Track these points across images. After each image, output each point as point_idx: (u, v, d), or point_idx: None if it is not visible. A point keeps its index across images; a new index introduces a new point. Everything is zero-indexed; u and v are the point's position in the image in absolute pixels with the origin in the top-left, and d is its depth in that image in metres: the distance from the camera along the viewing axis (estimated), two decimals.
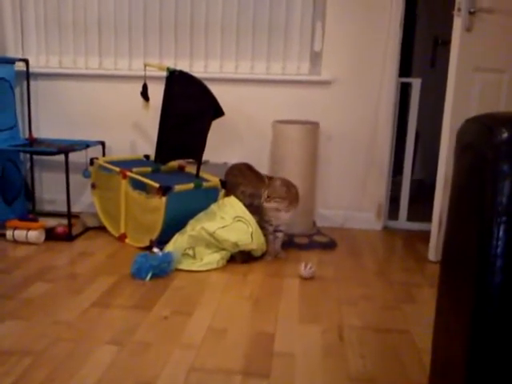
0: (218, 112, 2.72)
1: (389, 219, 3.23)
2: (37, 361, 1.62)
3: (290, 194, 2.50)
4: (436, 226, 2.64)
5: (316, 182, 3.06)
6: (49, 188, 3.37)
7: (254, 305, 2.08)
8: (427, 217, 2.85)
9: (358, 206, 3.16)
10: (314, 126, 2.92)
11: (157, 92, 2.91)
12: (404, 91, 3.19)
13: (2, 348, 1.69)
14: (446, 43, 3.28)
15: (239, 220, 2.51)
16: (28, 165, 3.32)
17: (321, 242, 2.80)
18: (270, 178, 2.52)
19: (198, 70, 3.16)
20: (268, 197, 2.45)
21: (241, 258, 2.52)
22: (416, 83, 3.13)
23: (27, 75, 3.22)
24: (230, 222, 2.50)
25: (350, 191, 3.15)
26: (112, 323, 1.88)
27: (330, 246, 2.78)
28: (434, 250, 2.65)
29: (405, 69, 3.41)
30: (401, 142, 3.21)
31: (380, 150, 3.09)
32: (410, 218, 3.21)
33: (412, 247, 2.88)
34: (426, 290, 2.29)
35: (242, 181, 2.78)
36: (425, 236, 2.84)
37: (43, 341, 1.74)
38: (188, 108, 2.75)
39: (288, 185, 2.52)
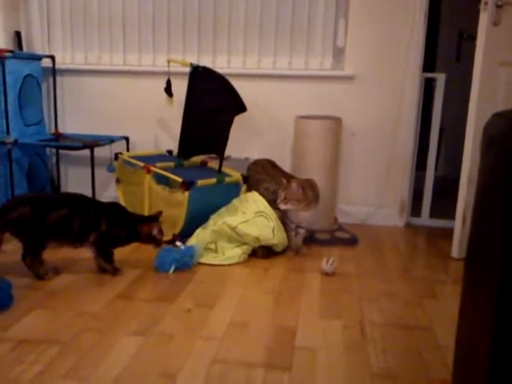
0: (240, 107, 2.73)
1: (411, 216, 3.21)
2: (63, 350, 1.66)
3: (307, 196, 2.49)
4: (459, 223, 2.61)
5: (338, 177, 3.05)
6: (73, 182, 3.44)
7: (276, 299, 2.09)
8: (450, 214, 2.82)
9: (380, 202, 3.14)
10: (337, 121, 2.91)
11: (180, 88, 2.94)
12: (427, 86, 3.15)
13: (30, 337, 1.73)
14: (472, 37, 3.22)
15: (261, 215, 2.52)
16: (54, 159, 3.38)
17: (342, 238, 2.80)
18: (289, 179, 2.51)
19: (220, 65, 3.18)
20: (285, 198, 2.46)
21: (262, 252, 2.53)
22: (440, 78, 3.10)
23: (53, 71, 3.29)
24: (251, 216, 2.51)
25: (373, 187, 3.14)
26: (136, 315, 1.92)
27: (351, 242, 2.78)
28: (457, 247, 2.62)
29: (429, 63, 3.36)
30: (424, 138, 3.18)
31: (403, 146, 3.07)
32: (432, 215, 3.18)
33: (435, 244, 2.86)
34: (448, 287, 2.27)
35: (265, 177, 2.78)
36: (448, 233, 2.81)
37: (69, 331, 1.78)
38: (211, 103, 2.78)
39: (306, 186, 2.50)
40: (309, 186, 2.54)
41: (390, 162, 3.09)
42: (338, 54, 3.11)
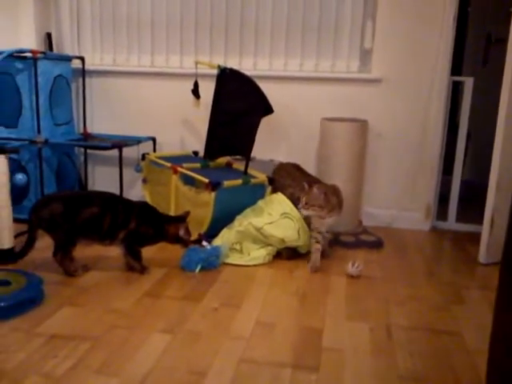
0: (267, 109, 2.74)
1: (437, 220, 3.18)
2: (94, 346, 1.69)
3: (329, 202, 2.41)
4: (487, 228, 2.58)
5: (364, 180, 3.04)
6: (101, 181, 3.49)
7: (301, 301, 2.09)
8: (477, 218, 2.79)
9: (405, 205, 3.12)
10: (363, 123, 2.90)
11: (207, 89, 2.96)
12: (453, 89, 3.12)
13: (62, 332, 1.77)
14: (501, 41, 3.19)
15: (286, 216, 2.53)
16: (82, 159, 3.44)
17: (367, 240, 2.79)
18: (311, 184, 2.41)
19: (247, 67, 3.20)
20: (306, 203, 2.38)
21: (287, 254, 2.54)
22: (468, 82, 3.07)
23: (83, 72, 3.35)
24: (277, 218, 2.52)
25: (398, 190, 3.12)
26: (164, 312, 1.94)
27: (376, 245, 2.77)
28: (484, 252, 2.59)
29: (455, 67, 3.34)
30: (450, 141, 3.15)
31: (430, 150, 3.04)
32: (459, 219, 3.15)
33: (461, 249, 2.83)
34: (476, 292, 2.24)
35: (290, 182, 2.73)
36: (474, 238, 2.78)
37: (100, 327, 1.81)
38: (238, 105, 2.80)
39: (328, 192, 2.42)
40: (332, 191, 2.47)
41: (417, 165, 3.07)
42: (365, 56, 3.11)
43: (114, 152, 3.01)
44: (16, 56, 2.89)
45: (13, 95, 2.94)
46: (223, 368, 1.60)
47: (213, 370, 1.58)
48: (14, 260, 2.19)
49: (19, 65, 2.93)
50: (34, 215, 2.15)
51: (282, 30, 3.18)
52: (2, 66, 2.71)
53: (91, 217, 2.15)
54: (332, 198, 2.44)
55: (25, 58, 2.93)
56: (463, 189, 3.17)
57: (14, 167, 2.75)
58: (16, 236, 2.36)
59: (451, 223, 3.16)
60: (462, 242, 2.92)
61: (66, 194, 2.39)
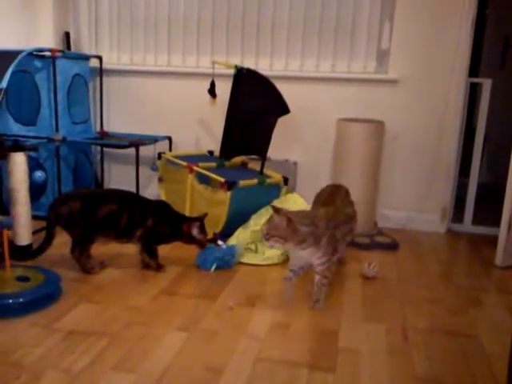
0: (283, 110, 2.74)
1: (453, 222, 3.16)
2: (112, 342, 1.71)
3: (296, 232, 1.89)
4: (504, 231, 2.55)
5: (379, 181, 3.03)
6: (116, 180, 3.51)
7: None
8: (493, 221, 2.77)
9: (421, 207, 3.10)
10: (380, 124, 2.89)
11: (223, 89, 2.97)
12: (470, 91, 3.09)
13: (79, 329, 1.79)
14: None
15: None
16: (98, 157, 3.47)
17: (383, 242, 2.77)
18: (277, 210, 1.94)
19: (263, 67, 3.20)
20: (266, 233, 1.92)
21: None
22: (486, 84, 3.04)
23: (100, 71, 3.37)
24: None
25: (414, 192, 3.10)
26: (180, 310, 1.95)
27: (392, 246, 2.75)
28: (501, 255, 2.57)
29: (472, 69, 3.31)
30: (466, 143, 3.13)
31: (447, 151, 3.02)
32: (475, 222, 3.12)
33: (477, 251, 2.80)
34: (493, 295, 2.23)
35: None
36: (491, 240, 2.75)
37: (117, 324, 1.83)
38: (254, 105, 2.80)
39: (296, 219, 1.91)
40: (314, 217, 1.98)
41: (433, 167, 3.05)
42: (382, 57, 3.09)
43: (130, 151, 3.03)
44: (35, 55, 2.92)
45: (32, 93, 2.97)
46: (239, 366, 1.60)
47: (229, 368, 1.59)
48: (32, 256, 2.21)
49: (38, 63, 2.97)
50: (52, 212, 2.17)
51: (299, 30, 3.17)
52: (22, 65, 2.74)
53: (109, 214, 2.17)
54: (302, 227, 1.90)
55: (43, 56, 2.97)
56: (479, 191, 3.15)
57: (33, 165, 2.77)
58: (34, 233, 2.39)
59: (467, 225, 3.13)
60: (478, 245, 2.90)
61: (84, 191, 2.42)
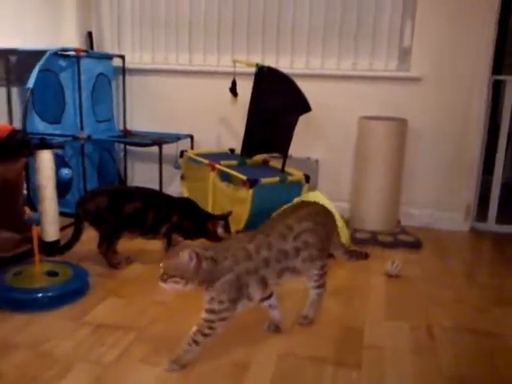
0: (305, 108, 2.74)
1: (476, 221, 3.13)
2: (139, 336, 1.74)
3: (197, 268, 1.48)
4: None
5: (402, 179, 3.01)
6: (139, 177, 3.55)
7: (340, 298, 2.10)
8: None
9: (444, 205, 3.08)
10: (402, 122, 2.88)
11: (244, 88, 2.99)
12: (494, 89, 3.06)
13: (108, 322, 1.82)
14: None
15: None
16: (121, 155, 3.51)
17: (406, 241, 2.76)
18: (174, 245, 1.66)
19: (284, 65, 3.20)
20: (164, 274, 1.50)
21: None
22: (510, 81, 3.01)
23: (123, 71, 3.41)
24: None
25: (437, 190, 3.08)
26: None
27: (415, 245, 2.74)
28: None
29: (495, 66, 3.26)
30: (490, 141, 3.10)
31: (470, 150, 3.00)
32: (499, 221, 3.09)
33: (501, 250, 2.78)
34: None
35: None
36: None
37: (143, 318, 1.86)
38: (276, 103, 2.81)
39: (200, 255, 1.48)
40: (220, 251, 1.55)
41: (456, 165, 3.03)
42: (404, 54, 3.08)
43: (153, 149, 3.07)
44: (60, 54, 2.97)
45: (56, 92, 3.02)
46: (265, 360, 1.62)
47: (255, 363, 1.60)
48: (60, 252, 2.25)
49: (63, 63, 3.02)
50: (80, 208, 2.22)
51: (320, 28, 3.17)
52: (47, 64, 2.78)
53: (135, 211, 2.20)
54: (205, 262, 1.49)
55: (68, 56, 3.01)
56: (504, 189, 3.11)
57: (59, 162, 2.82)
58: (61, 229, 2.43)
59: (491, 224, 3.10)
60: (502, 244, 2.87)
61: (111, 188, 2.46)
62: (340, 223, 2.51)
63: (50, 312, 1.88)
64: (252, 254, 1.56)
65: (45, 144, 2.35)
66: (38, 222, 2.10)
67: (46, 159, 2.32)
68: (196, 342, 1.54)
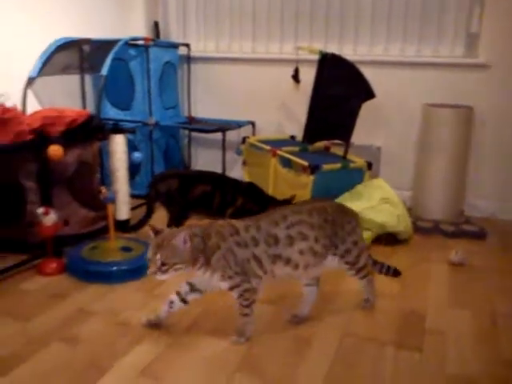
0: (368, 94, 2.74)
1: None
2: (206, 309, 1.84)
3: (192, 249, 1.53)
4: None
5: (467, 168, 2.95)
6: (202, 162, 3.65)
7: (401, 285, 2.10)
8: None
9: (510, 196, 2.99)
10: (468, 110, 2.82)
11: (306, 75, 3.01)
12: None
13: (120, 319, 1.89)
14: None
15: (386, 202, 2.54)
16: (185, 141, 3.63)
17: (470, 230, 2.71)
18: (155, 229, 1.59)
19: (347, 52, 3.19)
20: (163, 265, 1.51)
21: (386, 239, 2.55)
22: None
23: (188, 59, 3.52)
24: (376, 203, 2.54)
25: (503, 180, 2.99)
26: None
27: (479, 235, 2.68)
28: None
29: None
30: None
31: None
32: None
33: None
34: None
35: None
36: None
37: (209, 295, 1.94)
38: (339, 90, 2.82)
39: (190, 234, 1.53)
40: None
41: None
42: (471, 41, 2.99)
43: (216, 135, 3.16)
44: (130, 43, 3.10)
45: (127, 80, 3.17)
46: (328, 339, 1.67)
47: (318, 340, 1.66)
48: (134, 229, 2.39)
49: (133, 52, 3.15)
50: (152, 189, 2.34)
51: (384, 13, 3.13)
52: (119, 53, 2.92)
53: (203, 194, 2.30)
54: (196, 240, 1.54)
55: (137, 45, 3.14)
56: None
57: (129, 147, 2.97)
58: (132, 209, 2.57)
59: None
60: None
61: (181, 171, 2.58)
62: (401, 210, 2.52)
63: (124, 284, 2.01)
64: (240, 230, 1.60)
65: (118, 129, 2.49)
66: (114, 201, 2.24)
67: (119, 143, 2.46)
68: (245, 315, 1.63)
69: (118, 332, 1.70)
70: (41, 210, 2.05)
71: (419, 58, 3.09)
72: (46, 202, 2.17)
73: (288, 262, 1.63)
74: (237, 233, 1.60)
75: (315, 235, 1.66)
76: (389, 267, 1.92)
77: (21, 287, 2.01)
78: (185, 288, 1.68)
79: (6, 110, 2.14)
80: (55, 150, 2.07)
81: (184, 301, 1.69)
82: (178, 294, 1.69)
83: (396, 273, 1.94)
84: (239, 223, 1.63)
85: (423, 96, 3.04)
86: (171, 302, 1.69)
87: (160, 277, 1.53)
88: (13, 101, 2.32)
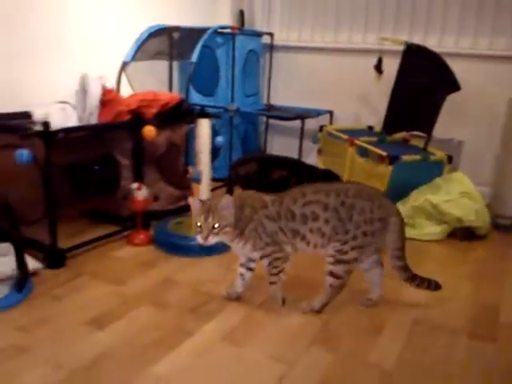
0: (454, 86, 2.70)
1: None
2: (289, 282, 1.92)
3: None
4: None
5: None
6: (277, 149, 3.74)
7: (475, 279, 2.10)
8: None
9: None
10: None
11: (388, 65, 3.01)
12: None
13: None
14: None
15: (465, 196, 2.51)
16: (263, 127, 3.74)
17: None
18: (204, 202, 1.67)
19: (432, 44, 3.14)
20: (213, 228, 1.63)
21: (462, 234, 2.52)
22: None
23: (271, 48, 3.61)
24: (455, 196, 2.52)
25: None
26: None
27: None
28: None
29: None
30: None
31: None
32: None
33: None
34: None
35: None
36: None
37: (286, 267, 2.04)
38: (423, 81, 2.80)
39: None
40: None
41: None
42: None
43: (293, 123, 3.23)
44: (217, 32, 3.23)
45: (212, 67, 3.31)
46: (400, 324, 1.72)
47: (390, 324, 1.71)
48: None
49: (220, 40, 3.28)
50: (233, 172, 2.47)
51: (473, 3, 3.06)
52: (207, 41, 3.05)
53: (280, 178, 2.39)
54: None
55: (223, 33, 3.27)
56: None
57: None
58: (211, 191, 2.71)
59: None
60: None
61: (260, 155, 2.68)
62: (480, 205, 2.48)
63: (205, 258, 2.16)
64: (268, 204, 1.72)
65: (205, 113, 2.62)
66: (200, 181, 2.38)
67: (205, 127, 2.58)
68: (273, 283, 1.76)
69: (201, 300, 1.84)
70: (135, 186, 2.24)
71: (508, 51, 2.99)
72: (139, 178, 2.36)
73: (303, 238, 1.71)
74: (266, 206, 1.71)
75: (326, 217, 1.68)
76: (429, 281, 1.79)
77: (113, 254, 2.21)
78: (243, 258, 1.81)
79: (107, 91, 2.33)
80: (150, 131, 2.24)
81: (249, 269, 1.82)
82: (242, 265, 1.82)
83: (437, 287, 1.80)
84: (268, 197, 1.75)
85: (509, 91, 2.94)
86: (241, 275, 1.83)
87: (211, 240, 1.64)
88: (110, 83, 2.52)
